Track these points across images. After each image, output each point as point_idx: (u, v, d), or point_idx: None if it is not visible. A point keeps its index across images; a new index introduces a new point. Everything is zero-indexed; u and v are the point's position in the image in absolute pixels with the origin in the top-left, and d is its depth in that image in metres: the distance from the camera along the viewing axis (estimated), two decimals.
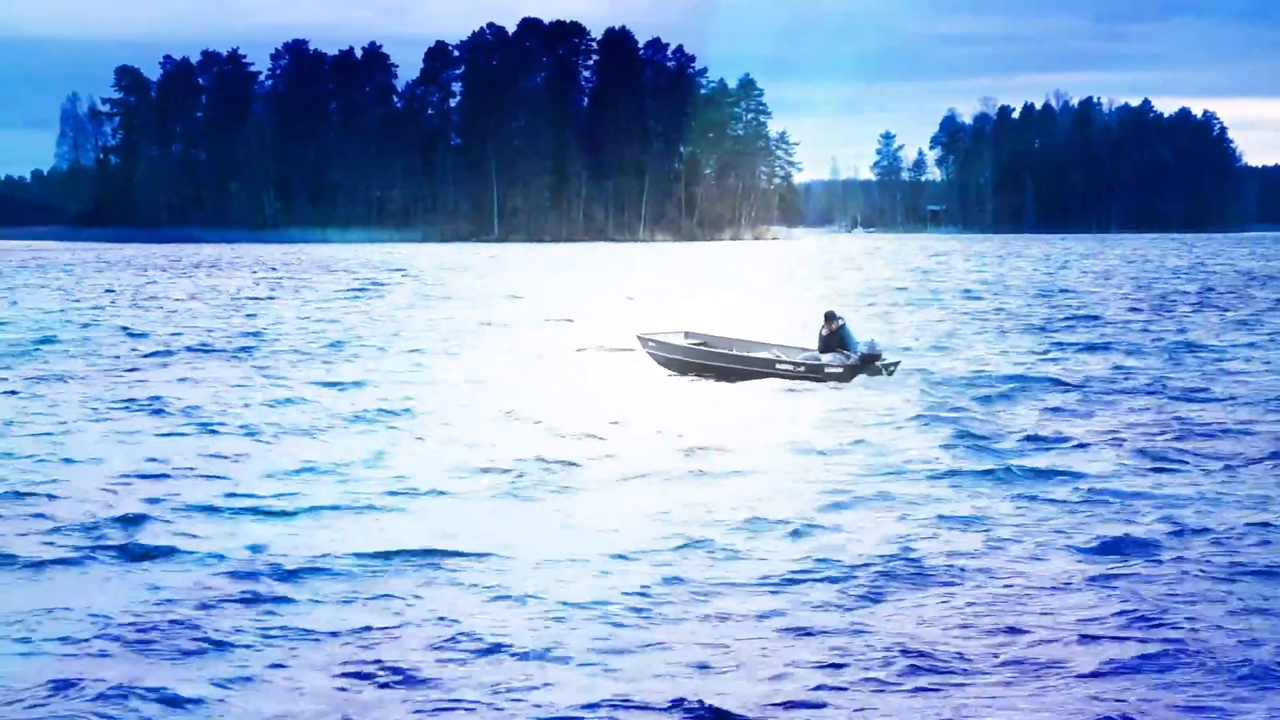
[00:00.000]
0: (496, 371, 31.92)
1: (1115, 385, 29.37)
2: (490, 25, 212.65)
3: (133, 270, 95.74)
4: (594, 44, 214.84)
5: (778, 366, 29.99)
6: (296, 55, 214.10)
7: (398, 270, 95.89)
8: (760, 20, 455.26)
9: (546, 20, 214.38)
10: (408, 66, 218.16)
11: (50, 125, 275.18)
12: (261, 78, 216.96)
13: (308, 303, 59.66)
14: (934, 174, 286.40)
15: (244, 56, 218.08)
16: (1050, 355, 35.74)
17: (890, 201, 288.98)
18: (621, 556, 14.62)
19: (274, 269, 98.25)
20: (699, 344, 31.90)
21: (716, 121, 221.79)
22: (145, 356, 35.44)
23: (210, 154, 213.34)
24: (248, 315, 51.39)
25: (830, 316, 30.71)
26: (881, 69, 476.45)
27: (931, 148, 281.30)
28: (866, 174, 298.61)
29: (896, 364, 30.41)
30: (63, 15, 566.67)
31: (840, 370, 29.33)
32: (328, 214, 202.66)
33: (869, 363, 29.55)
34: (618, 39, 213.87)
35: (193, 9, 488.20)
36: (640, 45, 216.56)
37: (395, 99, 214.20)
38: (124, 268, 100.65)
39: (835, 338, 30.18)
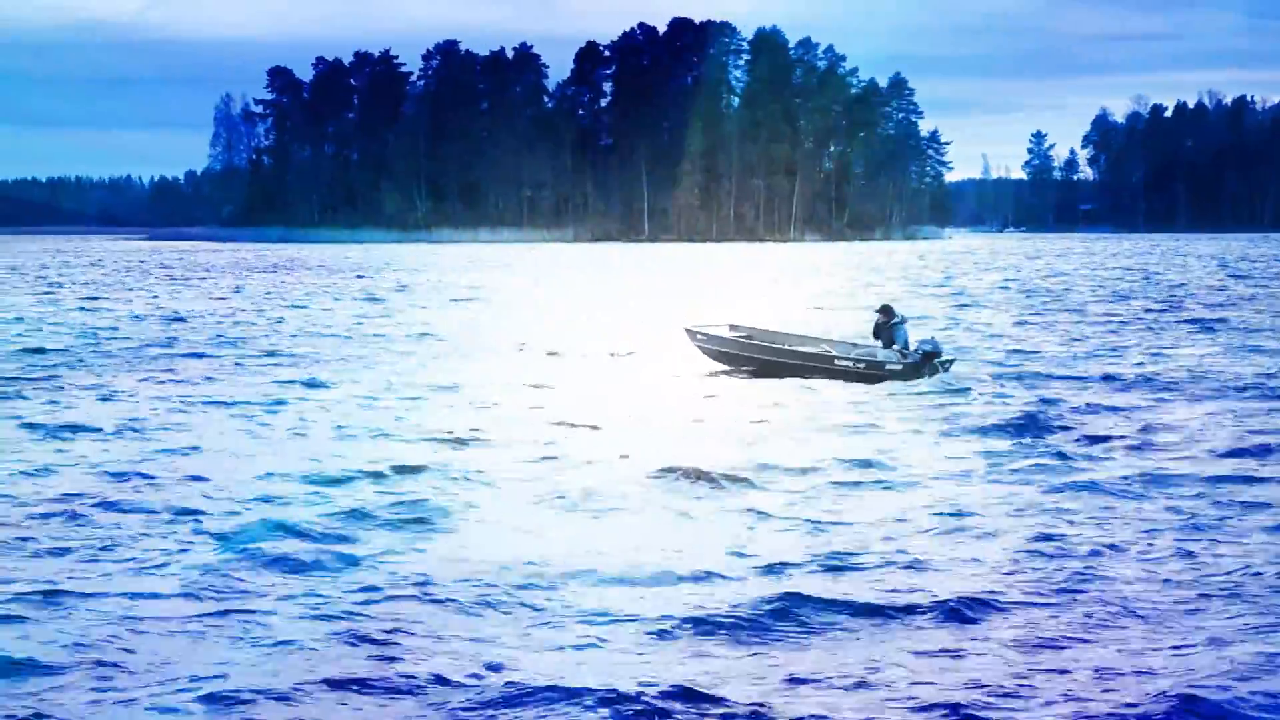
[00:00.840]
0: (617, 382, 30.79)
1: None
2: (641, 25, 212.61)
3: (281, 273, 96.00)
4: (744, 43, 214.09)
5: (836, 363, 29.40)
6: (448, 55, 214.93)
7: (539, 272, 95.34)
8: (912, 19, 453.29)
9: (697, 19, 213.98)
10: (559, 66, 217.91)
11: (204, 126, 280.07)
12: (413, 78, 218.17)
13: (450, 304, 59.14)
14: (1085, 173, 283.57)
15: (396, 57, 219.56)
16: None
17: (1041, 201, 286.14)
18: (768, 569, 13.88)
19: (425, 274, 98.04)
20: (744, 337, 31.48)
21: (867, 120, 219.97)
22: (258, 357, 34.78)
23: (362, 154, 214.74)
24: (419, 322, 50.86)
25: (888, 310, 30.13)
26: (1034, 67, 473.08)
27: (1083, 147, 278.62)
28: (1018, 173, 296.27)
29: (952, 361, 29.79)
30: (216, 18, 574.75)
31: (899, 368, 28.71)
32: (478, 214, 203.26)
33: (928, 360, 28.85)
34: (768, 38, 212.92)
35: (345, 10, 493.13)
36: (791, 44, 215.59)
37: (546, 99, 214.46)
38: (290, 269, 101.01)
39: (886, 332, 29.62)
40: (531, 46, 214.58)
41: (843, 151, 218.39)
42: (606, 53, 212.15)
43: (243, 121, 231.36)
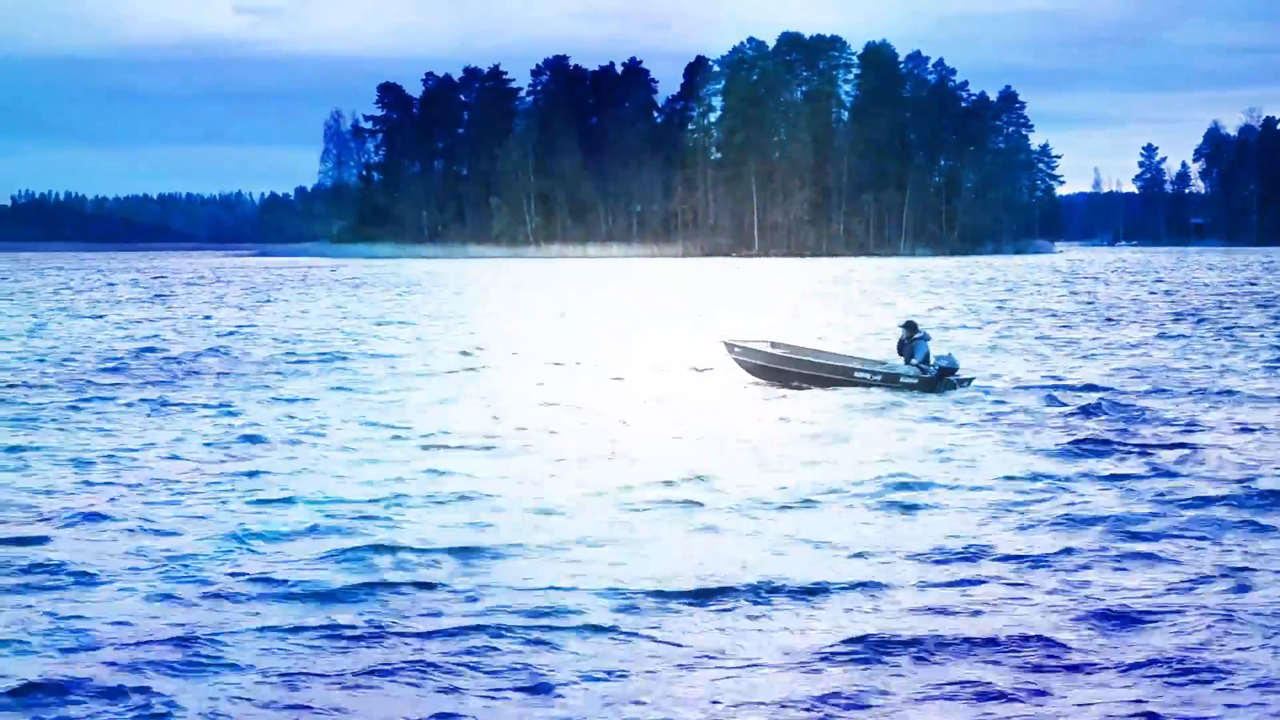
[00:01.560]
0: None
1: None
2: (750, 39, 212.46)
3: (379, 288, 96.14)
4: (854, 57, 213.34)
5: (855, 375, 31.07)
6: (557, 71, 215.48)
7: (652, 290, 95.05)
8: (1023, 32, 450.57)
9: (807, 34, 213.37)
10: (668, 81, 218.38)
11: (314, 142, 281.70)
12: (523, 94, 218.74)
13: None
14: (1197, 186, 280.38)
15: (505, 73, 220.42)
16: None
17: (1153, 214, 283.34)
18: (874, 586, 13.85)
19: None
20: (778, 352, 33.02)
21: (977, 134, 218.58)
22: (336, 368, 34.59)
23: (471, 170, 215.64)
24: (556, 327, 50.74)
25: (911, 326, 31.52)
26: (1145, 80, 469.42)
27: (1195, 160, 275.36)
28: (1129, 187, 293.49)
29: (971, 379, 31.09)
30: (326, 34, 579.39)
31: (915, 381, 30.21)
32: (588, 230, 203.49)
33: (944, 375, 30.21)
34: (878, 52, 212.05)
35: (455, 27, 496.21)
36: (900, 58, 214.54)
37: (655, 114, 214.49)
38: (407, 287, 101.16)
39: (907, 347, 30.91)
40: (641, 61, 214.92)
41: (953, 166, 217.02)
42: (716, 67, 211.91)
43: (353, 137, 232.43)
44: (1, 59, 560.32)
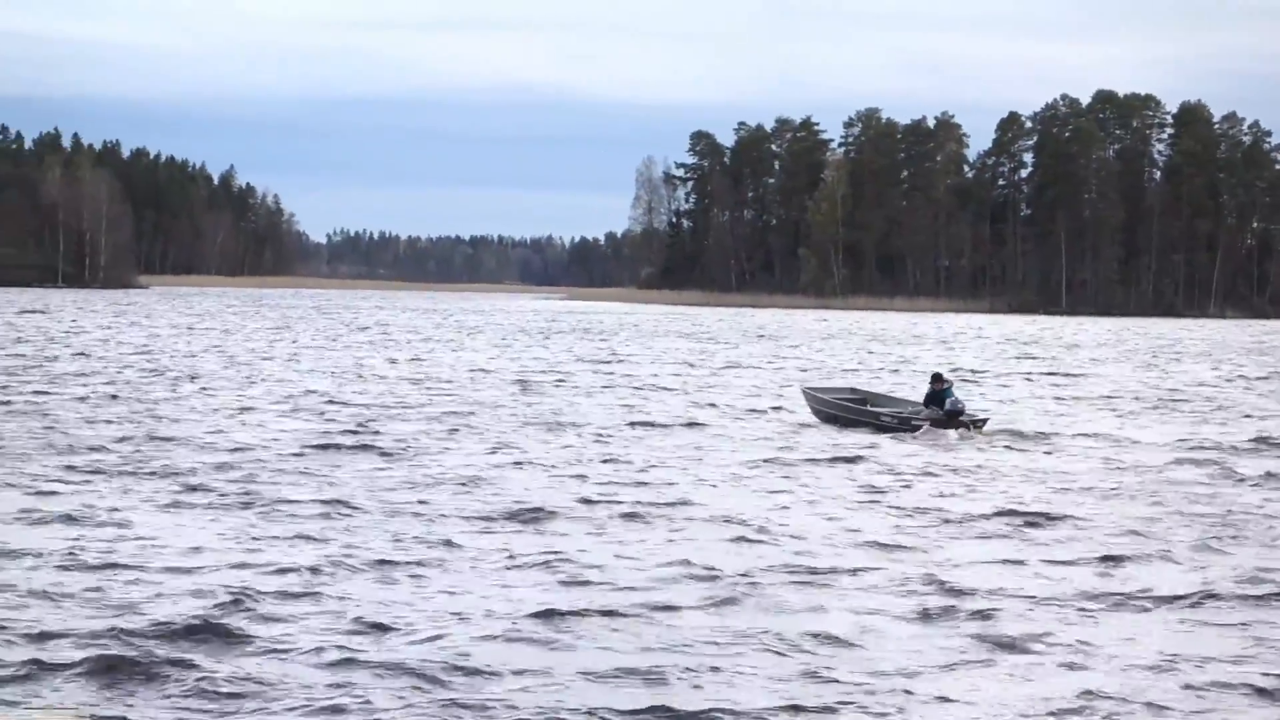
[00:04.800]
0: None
1: None
2: (1063, 95, 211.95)
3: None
4: (1169, 116, 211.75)
5: (881, 419, 34.45)
6: (869, 122, 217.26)
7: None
8: None
9: (1121, 92, 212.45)
10: (979, 135, 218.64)
11: (624, 188, 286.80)
12: (834, 144, 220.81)
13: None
14: None
15: (817, 123, 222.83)
16: None
17: None
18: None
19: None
20: (848, 398, 36.67)
21: None
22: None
23: (781, 220, 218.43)
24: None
25: (937, 378, 34.81)
26: None
27: None
28: None
29: (984, 421, 34.25)
30: (639, 80, 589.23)
31: (924, 424, 33.27)
32: (895, 283, 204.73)
33: (952, 418, 33.20)
34: (1193, 111, 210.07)
35: (767, 76, 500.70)
36: (1215, 119, 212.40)
37: (966, 168, 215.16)
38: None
39: (935, 396, 34.01)
40: (953, 115, 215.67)
41: (1266, 227, 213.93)
42: (1028, 123, 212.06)
43: (664, 184, 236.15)
44: (322, 102, 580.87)
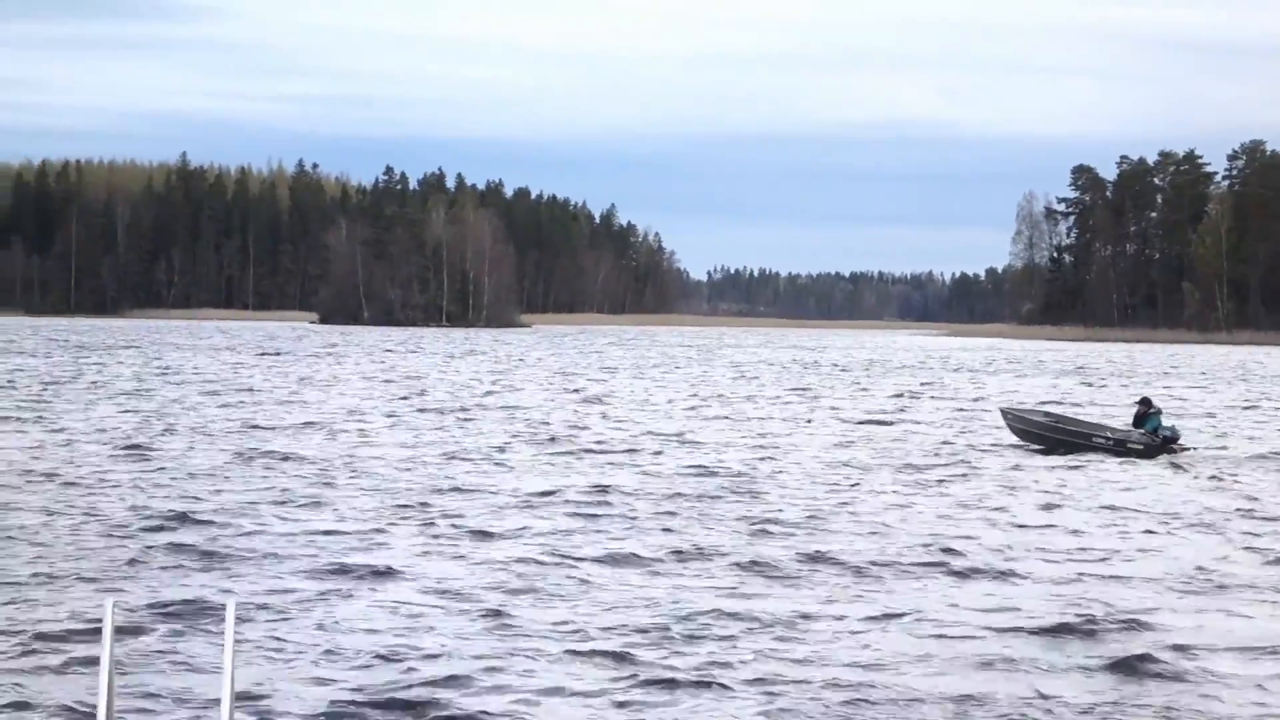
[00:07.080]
0: None
1: None
2: None
3: None
4: None
5: (1094, 440, 35.91)
6: (1253, 155, 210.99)
7: None
8: None
9: None
10: None
11: (1006, 223, 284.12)
12: (1218, 178, 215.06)
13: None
14: None
15: (1200, 156, 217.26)
16: None
17: None
18: None
19: None
20: (1047, 419, 38.43)
21: None
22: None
23: (1163, 254, 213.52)
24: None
25: (1145, 402, 36.65)
26: None
27: None
28: None
29: (1192, 449, 35.58)
30: (1021, 114, 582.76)
31: (1140, 447, 34.83)
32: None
33: (1166, 444, 34.74)
34: None
35: (1149, 108, 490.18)
36: None
37: None
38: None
39: (1141, 420, 35.61)
40: None
41: None
42: None
43: (1045, 219, 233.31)
44: (701, 139, 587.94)
